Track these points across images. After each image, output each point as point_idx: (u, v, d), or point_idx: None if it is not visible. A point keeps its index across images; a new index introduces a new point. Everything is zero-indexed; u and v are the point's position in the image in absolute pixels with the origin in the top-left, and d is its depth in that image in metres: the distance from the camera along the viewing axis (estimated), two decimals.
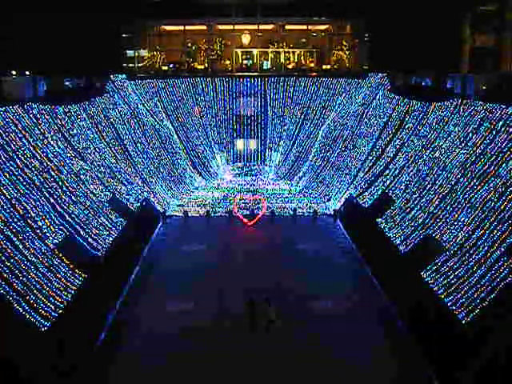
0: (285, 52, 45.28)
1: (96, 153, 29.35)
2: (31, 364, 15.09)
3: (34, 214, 20.29)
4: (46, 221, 20.82)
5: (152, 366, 17.05)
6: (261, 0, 43.12)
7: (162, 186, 35.89)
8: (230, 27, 44.68)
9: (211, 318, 20.05)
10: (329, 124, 40.09)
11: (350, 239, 28.94)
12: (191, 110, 41.61)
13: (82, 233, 22.94)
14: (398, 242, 24.17)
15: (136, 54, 43.82)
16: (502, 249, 17.50)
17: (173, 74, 43.18)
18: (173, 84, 41.05)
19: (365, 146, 34.35)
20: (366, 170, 32.49)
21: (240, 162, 43.19)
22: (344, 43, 45.10)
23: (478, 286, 17.50)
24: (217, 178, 41.26)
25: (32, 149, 22.85)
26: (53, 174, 23.36)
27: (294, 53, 45.57)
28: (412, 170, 27.17)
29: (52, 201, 22.14)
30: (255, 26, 44.74)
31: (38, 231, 19.99)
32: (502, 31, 38.60)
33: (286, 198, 36.52)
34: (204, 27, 44.77)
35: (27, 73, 34.23)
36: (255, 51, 45.30)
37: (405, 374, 16.63)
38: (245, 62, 45.29)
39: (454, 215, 21.28)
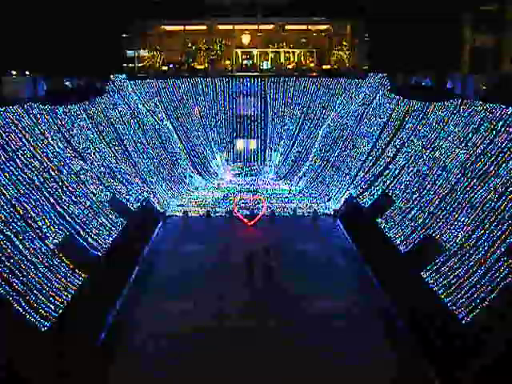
0: (285, 52, 45.30)
1: (96, 153, 29.35)
2: (31, 364, 15.08)
3: (34, 214, 20.28)
4: (46, 221, 20.81)
5: (152, 365, 17.05)
6: (261, 0, 43.12)
7: (161, 186, 35.90)
8: (230, 27, 44.69)
9: (211, 318, 20.04)
10: (329, 124, 40.08)
11: (350, 239, 28.94)
12: (191, 110, 41.60)
13: (81, 233, 22.93)
14: (398, 242, 24.17)
15: (136, 54, 43.82)
16: (502, 249, 17.51)
17: (173, 74, 43.17)
18: (173, 84, 41.02)
19: (365, 146, 34.34)
20: (366, 170, 32.49)
21: (240, 162, 43.18)
22: (344, 43, 45.10)
23: (478, 285, 17.51)
24: (217, 178, 41.24)
25: (32, 149, 22.84)
26: (53, 173, 23.36)
27: (293, 53, 45.58)
28: (412, 170, 27.17)
29: (52, 201, 22.13)
30: (255, 26, 44.76)
31: (38, 231, 19.99)
32: (501, 31, 38.58)
33: (286, 197, 36.50)
34: (204, 27, 44.78)
35: (27, 73, 34.17)
36: (255, 51, 45.31)
37: (405, 374, 16.63)
38: (245, 62, 45.30)
39: (453, 215, 21.27)
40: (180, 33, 45.17)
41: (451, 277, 19.01)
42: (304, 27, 45.32)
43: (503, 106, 21.63)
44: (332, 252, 27.16)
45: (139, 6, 41.94)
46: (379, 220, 26.99)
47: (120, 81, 37.93)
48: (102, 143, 30.88)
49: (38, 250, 19.31)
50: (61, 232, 21.31)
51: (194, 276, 23.95)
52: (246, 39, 45.77)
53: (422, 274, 20.55)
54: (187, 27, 44.61)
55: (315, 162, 39.21)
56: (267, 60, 45.29)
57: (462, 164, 22.71)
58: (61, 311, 18.14)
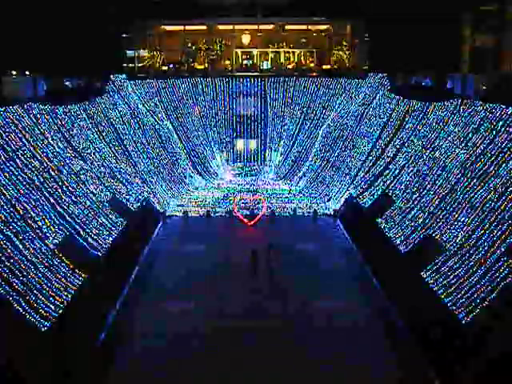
0: (285, 52, 45.29)
1: (96, 153, 29.36)
2: (31, 364, 15.08)
3: (34, 214, 20.29)
4: (46, 221, 20.82)
5: (152, 365, 17.05)
6: (261, 0, 43.13)
7: (162, 186, 35.90)
8: (230, 27, 44.69)
9: (211, 318, 20.04)
10: (329, 124, 40.09)
11: (350, 239, 28.94)
12: (191, 109, 41.60)
13: (81, 233, 22.94)
14: (398, 242, 24.18)
15: (136, 54, 43.82)
16: (502, 249, 17.51)
17: (173, 74, 43.17)
18: (173, 84, 41.02)
19: (365, 146, 34.35)
20: (366, 170, 32.49)
21: (240, 162, 43.17)
22: (344, 43, 45.09)
23: (478, 286, 17.51)
24: (217, 178, 41.24)
25: (32, 149, 22.85)
26: (53, 173, 23.37)
27: (293, 53, 45.57)
28: (412, 170, 27.17)
29: (52, 201, 22.14)
30: (255, 26, 44.76)
31: (38, 231, 19.99)
32: (501, 31, 38.56)
33: (286, 197, 36.51)
34: (204, 27, 44.78)
35: (27, 73, 34.18)
36: (255, 51, 45.31)
37: (405, 374, 16.62)
38: (245, 62, 45.30)
39: (453, 215, 21.28)
40: (180, 33, 45.16)
41: (451, 277, 19.01)
42: (304, 27, 45.31)
43: (503, 106, 21.63)
44: (332, 252, 27.15)
45: (139, 6, 41.93)
46: (379, 220, 26.99)
47: (120, 81, 37.93)
48: (102, 143, 30.89)
49: (38, 250, 19.32)
50: (61, 232, 21.32)
51: (194, 276, 23.94)
52: (246, 39, 45.76)
53: (422, 274, 20.55)
54: (187, 27, 44.60)
55: (315, 162, 39.21)
56: (267, 60, 45.26)
57: (462, 164, 22.71)
58: (61, 311, 18.14)
